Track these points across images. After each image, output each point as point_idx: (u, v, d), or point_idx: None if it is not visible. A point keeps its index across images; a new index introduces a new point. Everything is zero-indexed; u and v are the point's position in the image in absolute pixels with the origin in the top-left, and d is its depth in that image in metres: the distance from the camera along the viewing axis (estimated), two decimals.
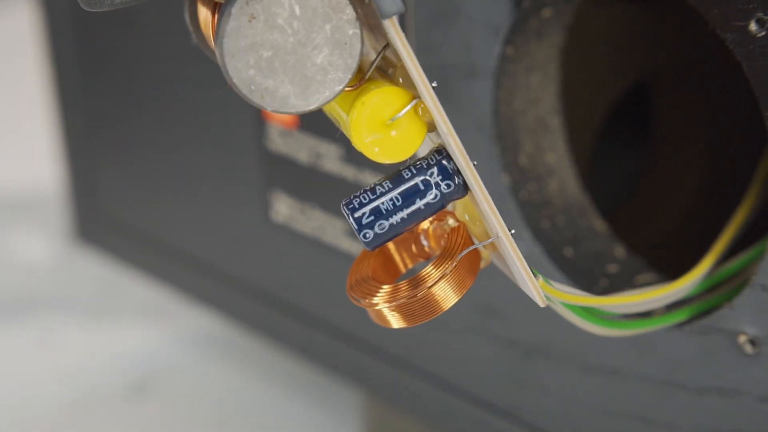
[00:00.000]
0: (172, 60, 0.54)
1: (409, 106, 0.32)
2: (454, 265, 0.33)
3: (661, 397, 0.40)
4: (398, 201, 0.33)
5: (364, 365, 0.50)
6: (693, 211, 0.52)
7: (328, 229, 0.50)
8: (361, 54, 0.32)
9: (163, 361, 0.63)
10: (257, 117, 0.51)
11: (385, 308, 0.33)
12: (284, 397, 0.60)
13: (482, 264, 0.35)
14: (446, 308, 0.33)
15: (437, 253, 0.35)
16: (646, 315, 0.39)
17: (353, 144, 0.33)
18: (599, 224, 0.44)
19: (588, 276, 0.43)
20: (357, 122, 0.32)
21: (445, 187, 0.33)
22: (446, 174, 0.33)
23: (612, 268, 0.43)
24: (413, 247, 0.36)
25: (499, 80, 0.42)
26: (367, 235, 0.33)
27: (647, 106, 0.52)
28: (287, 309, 0.53)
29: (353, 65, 0.32)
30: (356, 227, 0.33)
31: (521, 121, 0.43)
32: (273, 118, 0.50)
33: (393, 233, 0.33)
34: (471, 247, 0.33)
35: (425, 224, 0.35)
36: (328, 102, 0.32)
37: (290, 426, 0.58)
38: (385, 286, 0.34)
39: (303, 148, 0.49)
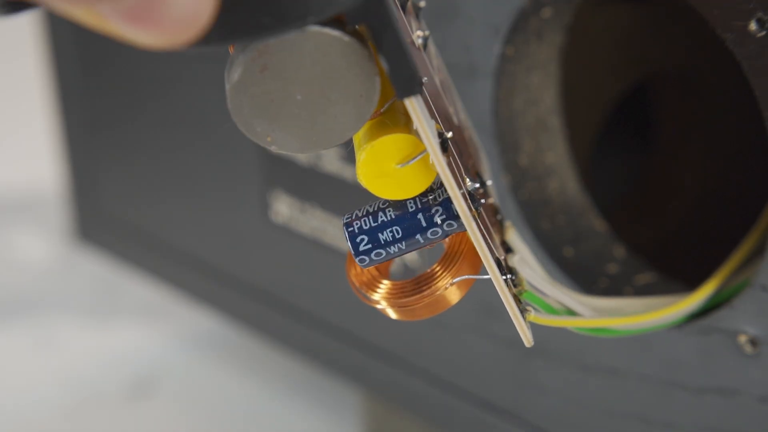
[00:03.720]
0: (173, 60, 0.54)
1: (417, 157, 0.32)
2: (454, 279, 0.33)
3: (661, 397, 0.40)
4: (398, 234, 0.33)
5: (364, 365, 0.50)
6: (693, 211, 0.52)
7: (328, 229, 0.50)
8: (376, 104, 0.31)
9: (163, 361, 0.63)
10: None
11: (388, 308, 0.33)
12: (284, 397, 0.60)
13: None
14: (448, 307, 0.33)
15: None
16: None
17: (359, 180, 0.32)
18: (599, 224, 0.44)
19: (588, 276, 0.43)
20: (364, 165, 0.32)
21: (447, 226, 0.33)
22: (450, 214, 0.32)
23: (612, 268, 0.43)
24: None
25: (499, 80, 0.42)
26: (363, 261, 0.33)
27: (647, 106, 0.52)
28: (287, 309, 0.53)
29: (367, 115, 0.31)
30: (353, 251, 0.33)
31: (521, 121, 0.43)
32: None
33: (388, 259, 0.33)
34: (469, 277, 0.33)
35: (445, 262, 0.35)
36: (336, 145, 0.32)
37: (290, 426, 0.58)
38: (385, 282, 0.34)
39: None
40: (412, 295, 0.33)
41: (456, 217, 0.32)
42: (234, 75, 0.30)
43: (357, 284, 0.34)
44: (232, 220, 0.54)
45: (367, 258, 0.33)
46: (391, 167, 0.32)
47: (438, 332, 0.47)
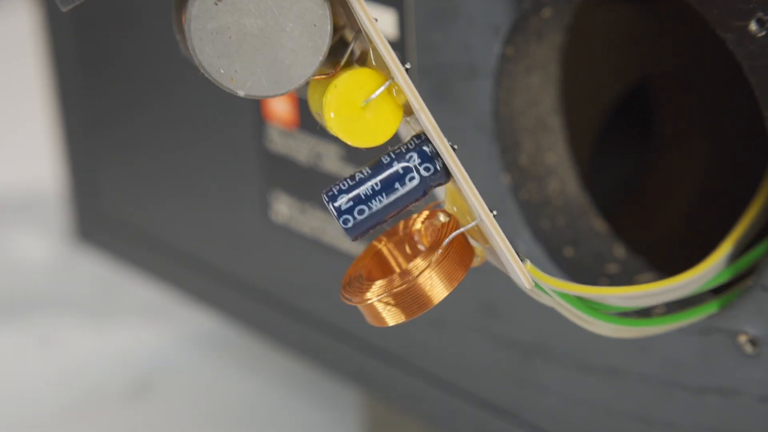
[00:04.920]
0: (173, 60, 0.54)
1: (382, 88, 0.32)
2: (439, 253, 0.33)
3: (661, 397, 0.40)
4: (378, 186, 0.32)
5: (364, 365, 0.50)
6: (693, 211, 0.52)
7: (328, 229, 0.50)
8: (331, 35, 0.32)
9: (163, 361, 0.63)
10: (257, 117, 0.51)
11: (376, 302, 0.33)
12: (284, 397, 0.60)
13: (477, 261, 0.35)
14: (437, 300, 0.33)
15: None
16: (661, 313, 0.39)
17: (328, 128, 0.33)
18: (599, 224, 0.44)
19: (588, 276, 0.43)
20: (330, 105, 0.32)
21: (425, 171, 0.33)
22: (425, 157, 0.32)
23: (612, 268, 0.43)
24: (407, 248, 0.36)
25: (499, 80, 0.42)
26: (347, 221, 0.32)
27: (647, 106, 0.52)
28: (287, 309, 0.53)
29: (323, 47, 0.32)
30: (335, 214, 0.32)
31: (521, 121, 0.43)
32: (273, 118, 0.50)
33: (374, 221, 0.33)
34: (455, 233, 0.33)
35: (417, 224, 0.35)
36: (300, 85, 0.32)
37: (290, 426, 0.58)
38: (375, 282, 0.34)
39: (303, 148, 0.50)
40: (397, 283, 0.33)
41: (431, 158, 0.32)
42: (191, 11, 0.31)
43: (347, 293, 0.34)
44: (232, 220, 0.54)
45: (350, 218, 0.32)
46: (357, 108, 0.32)
47: (438, 332, 0.47)
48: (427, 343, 0.48)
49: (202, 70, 0.32)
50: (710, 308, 0.38)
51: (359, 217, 0.32)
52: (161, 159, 0.57)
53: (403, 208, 0.33)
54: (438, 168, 0.33)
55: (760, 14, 0.35)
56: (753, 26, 0.35)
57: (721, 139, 0.51)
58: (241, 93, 0.32)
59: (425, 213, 0.35)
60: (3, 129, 0.89)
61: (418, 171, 0.32)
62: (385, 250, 0.36)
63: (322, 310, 0.52)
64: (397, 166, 0.32)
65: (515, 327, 0.44)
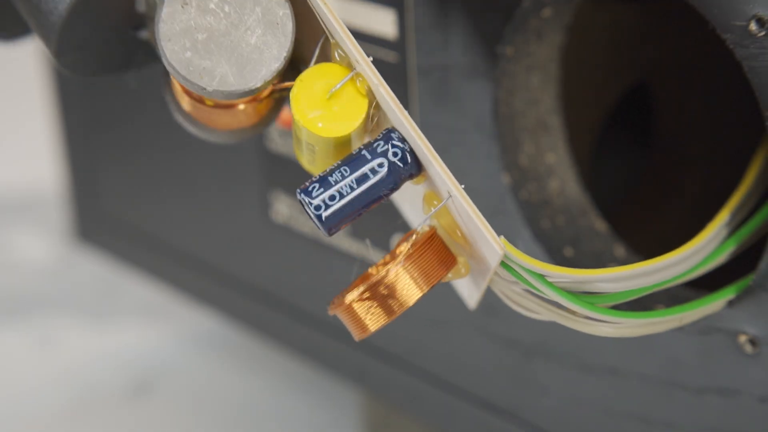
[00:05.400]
0: None
1: (346, 78, 0.34)
2: (410, 246, 0.33)
3: (661, 397, 0.40)
4: (346, 172, 0.33)
5: (364, 365, 0.50)
6: (693, 211, 0.52)
7: None
8: (294, 32, 0.34)
9: (163, 361, 0.63)
10: None
11: (356, 306, 0.34)
12: (284, 397, 0.60)
13: (462, 272, 0.35)
14: (412, 298, 0.34)
15: None
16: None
17: (297, 122, 0.34)
18: (599, 224, 0.44)
19: None
20: (297, 99, 0.34)
21: (392, 156, 0.33)
22: (392, 144, 0.33)
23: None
24: None
25: (499, 80, 0.42)
26: (319, 208, 0.33)
27: (647, 106, 0.52)
28: (287, 309, 0.53)
29: (287, 44, 0.34)
30: (307, 201, 0.33)
31: (521, 121, 0.43)
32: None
33: (348, 210, 0.33)
34: (426, 216, 0.34)
35: (402, 247, 0.35)
36: (267, 81, 0.34)
37: (290, 426, 0.58)
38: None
39: None
40: (371, 278, 0.33)
41: (398, 145, 0.33)
42: (160, 15, 0.33)
43: (330, 305, 0.35)
44: (232, 220, 0.54)
45: (322, 204, 0.33)
46: (323, 100, 0.34)
47: (438, 332, 0.47)
48: (427, 343, 0.48)
49: (170, 69, 0.34)
50: (728, 293, 0.38)
51: (331, 204, 0.33)
52: (161, 159, 0.57)
53: (376, 200, 0.33)
54: (406, 153, 0.33)
55: (760, 14, 0.35)
56: (753, 26, 0.35)
57: (721, 139, 0.51)
58: (209, 88, 0.34)
59: (408, 234, 0.35)
60: (3, 129, 0.89)
61: (385, 156, 0.33)
62: (373, 272, 0.36)
63: (322, 310, 0.52)
64: (365, 153, 0.33)
65: (515, 327, 0.44)
